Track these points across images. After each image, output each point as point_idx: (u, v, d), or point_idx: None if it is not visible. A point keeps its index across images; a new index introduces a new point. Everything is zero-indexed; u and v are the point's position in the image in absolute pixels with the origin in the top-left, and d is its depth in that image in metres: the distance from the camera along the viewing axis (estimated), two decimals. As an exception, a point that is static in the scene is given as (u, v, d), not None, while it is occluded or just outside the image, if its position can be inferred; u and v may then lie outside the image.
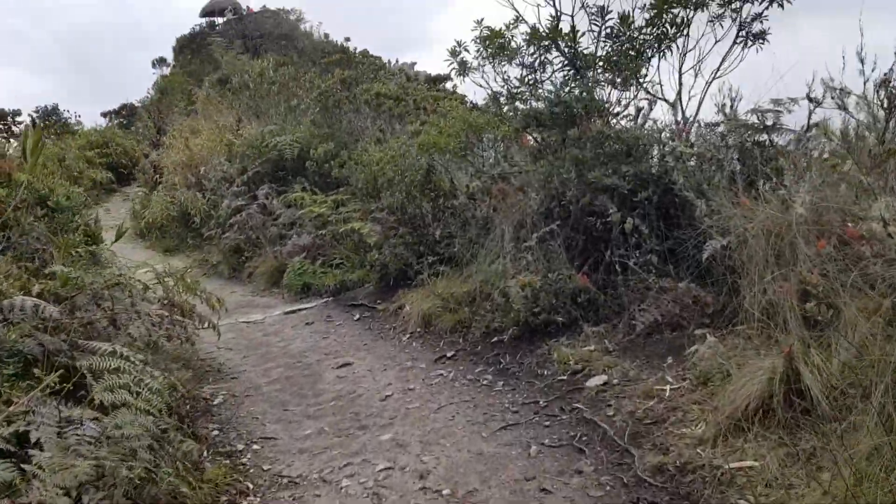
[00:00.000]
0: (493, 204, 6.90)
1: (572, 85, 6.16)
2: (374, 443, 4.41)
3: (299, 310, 8.34)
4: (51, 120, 34.09)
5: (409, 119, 11.98)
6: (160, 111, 24.89)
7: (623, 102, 6.64)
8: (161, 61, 41.50)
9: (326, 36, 36.32)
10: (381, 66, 14.17)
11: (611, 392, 4.48)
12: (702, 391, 4.12)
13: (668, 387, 4.30)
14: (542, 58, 6.68)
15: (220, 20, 41.39)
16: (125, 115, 40.31)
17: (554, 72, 6.75)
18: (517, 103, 6.83)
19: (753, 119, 5.63)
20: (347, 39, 31.21)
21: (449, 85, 15.54)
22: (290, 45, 34.99)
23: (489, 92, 7.10)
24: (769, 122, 5.53)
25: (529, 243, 5.94)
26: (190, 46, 40.36)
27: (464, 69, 6.68)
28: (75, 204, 4.95)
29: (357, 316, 7.64)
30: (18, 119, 7.12)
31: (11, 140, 6.98)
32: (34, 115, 32.95)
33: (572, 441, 4.04)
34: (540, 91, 6.81)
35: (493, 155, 7.64)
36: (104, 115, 40.57)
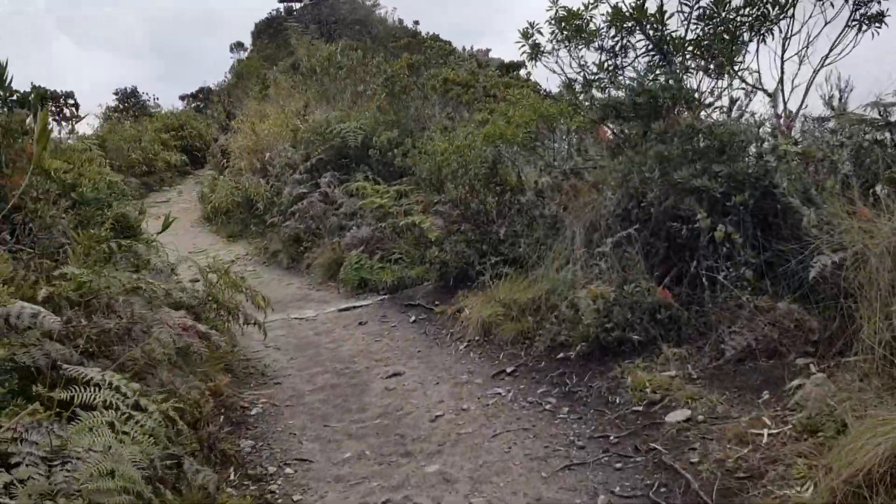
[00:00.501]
0: (563, 202, 6.27)
1: (658, 72, 5.46)
2: (419, 475, 3.89)
3: (354, 307, 7.90)
4: (129, 102, 34.95)
5: (476, 107, 11.39)
6: (229, 95, 24.99)
7: (716, 93, 5.88)
8: (238, 45, 41.95)
9: (400, 21, 35.96)
10: (451, 51, 13.61)
11: (695, 431, 3.83)
12: (809, 441, 3.43)
13: (765, 431, 3.63)
14: (625, 41, 5.98)
15: (297, 5, 41.55)
16: (202, 98, 41.00)
17: (637, 57, 6.03)
18: (594, 91, 6.16)
19: (874, 114, 4.83)
20: (416, 23, 30.65)
21: (522, 72, 14.85)
22: (364, 30, 34.78)
23: (563, 79, 6.44)
24: (893, 118, 4.73)
25: (603, 248, 5.30)
26: (267, 31, 40.68)
27: (536, 53, 6.04)
28: (103, 195, 4.61)
29: (413, 318, 7.14)
30: (71, 101, 7.02)
31: (63, 123, 6.84)
32: (115, 96, 33.81)
33: (648, 492, 3.42)
34: (620, 78, 6.11)
35: (565, 148, 7.00)
36: (182, 98, 41.38)
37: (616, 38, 6.02)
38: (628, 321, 4.84)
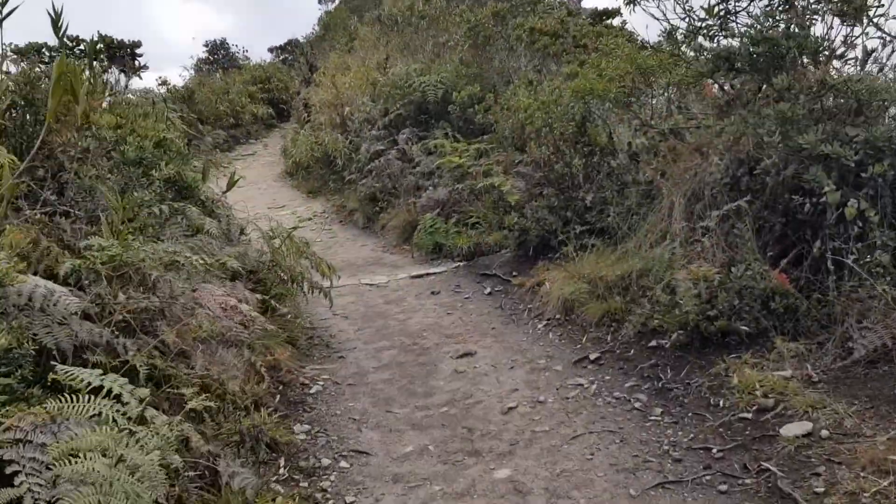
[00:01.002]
0: (660, 167, 5.57)
1: (779, 17, 4.64)
2: (487, 481, 3.43)
3: (427, 274, 7.46)
4: (219, 54, 35.33)
5: (565, 58, 10.57)
6: (314, 48, 24.72)
7: (848, 42, 5.00)
8: (327, -4, 41.62)
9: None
10: (540, -2, 12.73)
11: (818, 450, 3.20)
12: (972, 479, 2.76)
13: (910, 458, 2.97)
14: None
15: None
16: (290, 50, 41.04)
17: (752, 1, 5.21)
18: (700, 40, 5.37)
19: None
20: None
21: (616, 21, 13.82)
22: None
23: (664, 26, 5.66)
24: None
25: (707, 223, 4.62)
26: (355, -19, 40.12)
27: (635, -5, 5.30)
28: (148, 155, 4.26)
29: (488, 289, 6.63)
30: (139, 51, 6.77)
31: (131, 75, 6.64)
32: (204, 48, 34.20)
33: (761, 527, 2.84)
34: (733, 25, 5.30)
35: (663, 105, 6.25)
36: (271, 50, 41.51)
37: (730, -23, 5.20)
38: (735, 309, 4.17)
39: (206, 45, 34.00)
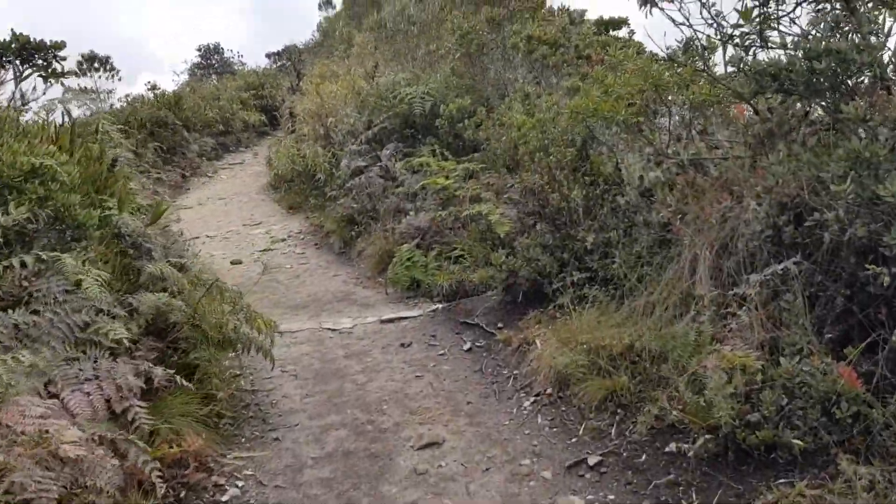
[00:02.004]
0: (679, 207, 4.51)
1: (844, 27, 3.58)
2: None
3: (399, 319, 6.37)
4: (213, 59, 34.35)
5: (566, 70, 9.53)
6: (306, 53, 23.77)
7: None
8: (327, 3, 40.60)
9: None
10: (540, 3, 11.70)
11: None
12: None
13: None
14: (784, -21, 4.11)
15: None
16: (287, 57, 40.03)
17: (800, 3, 4.15)
18: (732, 50, 4.31)
19: None
20: None
21: (623, 32, 12.79)
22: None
23: (684, 33, 4.59)
24: None
25: (744, 289, 3.55)
26: (358, -14, 39.21)
27: (652, -5, 4.25)
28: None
29: (468, 344, 5.55)
30: (61, 54, 5.93)
31: (50, 81, 5.68)
32: (197, 52, 33.16)
33: None
34: (771, 34, 4.24)
35: (681, 128, 5.20)
36: (268, 56, 40.49)
37: (771, -25, 4.15)
38: (784, 413, 3.10)
39: (200, 50, 33.04)
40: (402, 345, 5.73)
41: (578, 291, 5.18)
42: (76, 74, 5.51)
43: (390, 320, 6.36)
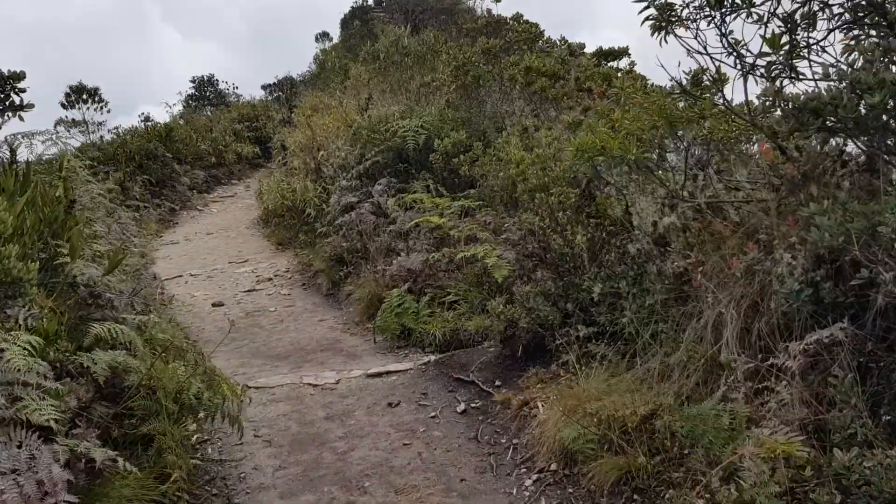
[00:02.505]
0: (698, 257, 4.01)
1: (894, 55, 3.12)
2: None
3: (388, 373, 5.83)
4: (207, 91, 34.07)
5: (566, 103, 9.11)
6: (300, 86, 23.50)
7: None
8: (324, 35, 40.50)
9: (489, 12, 33.62)
10: (538, 34, 11.34)
11: None
12: None
13: None
14: (814, 3, 3.67)
15: (384, -6, 39.86)
16: (284, 88, 39.83)
17: (833, 30, 3.71)
18: (754, 82, 3.85)
19: None
20: (498, 1, 27.07)
21: (623, 63, 12.41)
22: (451, 20, 32.83)
23: (699, 63, 4.13)
24: None
25: (783, 359, 3.03)
26: (353, 21, 39.27)
27: (666, 19, 3.80)
28: None
29: (462, 406, 5.01)
30: (20, 86, 5.50)
31: (7, 115, 5.25)
32: (191, 84, 32.87)
33: None
34: (799, 63, 3.78)
35: (697, 168, 4.72)
36: (264, 87, 40.30)
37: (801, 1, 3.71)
38: (841, 515, 2.57)
39: (193, 81, 32.73)
40: (390, 404, 5.18)
41: (584, 347, 4.66)
42: (31, 107, 5.01)
43: (378, 374, 5.81)
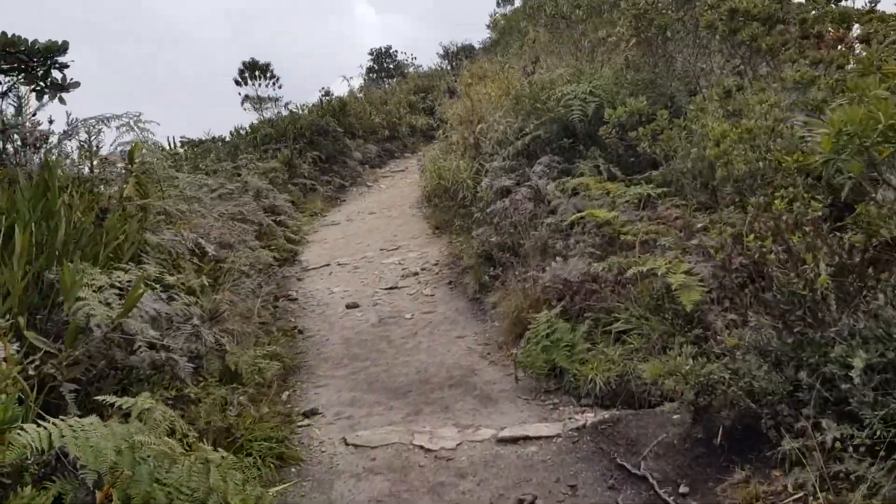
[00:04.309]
0: None
1: None
2: None
3: (525, 439, 4.25)
4: (384, 62, 33.69)
5: (784, 56, 6.82)
6: (457, 51, 22.10)
7: None
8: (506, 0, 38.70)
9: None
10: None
11: None
12: None
13: None
14: None
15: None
16: (464, 56, 38.57)
17: None
18: None
19: None
20: None
21: (857, 2, 9.61)
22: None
23: None
24: None
25: None
26: (536, -20, 37.06)
27: None
28: None
29: (627, 519, 3.33)
30: (62, 60, 4.72)
31: (45, 97, 4.42)
32: (369, 56, 32.62)
33: None
34: None
35: None
36: (441, 56, 39.38)
37: None
38: None
39: (371, 54, 32.37)
40: (521, 501, 3.61)
41: (822, 435, 2.81)
42: (76, 86, 4.00)
43: (512, 440, 4.24)
